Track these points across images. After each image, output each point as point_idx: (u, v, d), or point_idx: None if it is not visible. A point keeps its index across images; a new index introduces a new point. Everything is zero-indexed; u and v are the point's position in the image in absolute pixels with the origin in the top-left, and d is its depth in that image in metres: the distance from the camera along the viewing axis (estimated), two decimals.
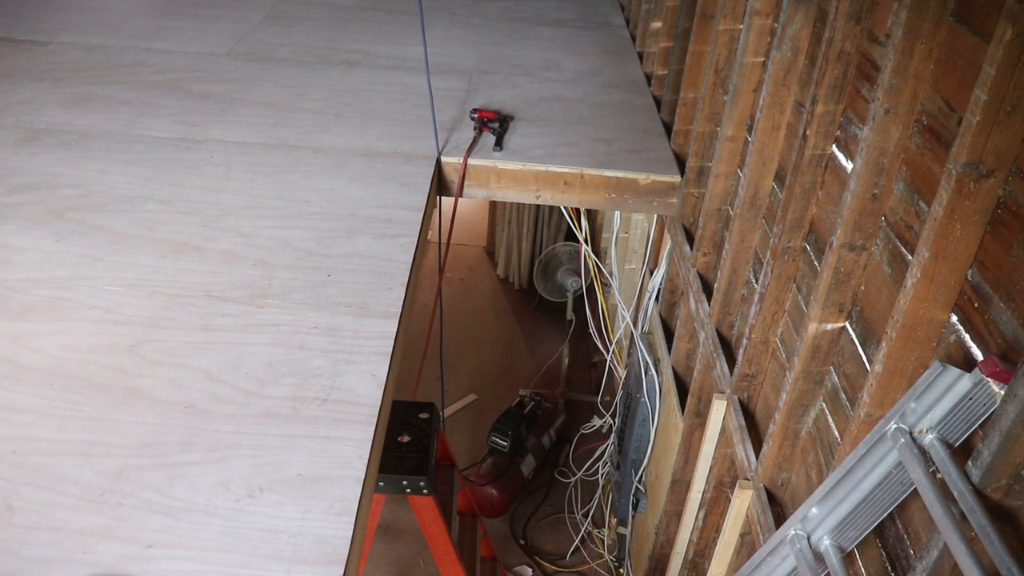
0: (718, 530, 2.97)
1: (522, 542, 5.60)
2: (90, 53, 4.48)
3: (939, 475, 1.45)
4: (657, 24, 4.46)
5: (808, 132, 2.16)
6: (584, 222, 5.65)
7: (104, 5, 5.40)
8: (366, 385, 2.28)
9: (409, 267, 2.82)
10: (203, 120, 3.76)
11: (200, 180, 3.27)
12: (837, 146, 2.16)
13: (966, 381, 1.44)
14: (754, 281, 2.77)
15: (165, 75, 4.25)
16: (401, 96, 4.15)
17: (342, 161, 3.48)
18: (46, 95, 3.91)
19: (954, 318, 1.61)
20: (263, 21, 5.21)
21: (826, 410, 2.13)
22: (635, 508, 4.35)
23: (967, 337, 1.57)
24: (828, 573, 1.79)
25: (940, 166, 1.67)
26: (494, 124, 3.78)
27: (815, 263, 2.24)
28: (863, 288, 1.98)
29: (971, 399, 1.43)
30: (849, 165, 2.08)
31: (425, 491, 3.41)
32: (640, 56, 4.95)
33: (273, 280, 2.70)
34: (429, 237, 3.41)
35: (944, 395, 1.47)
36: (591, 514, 5.64)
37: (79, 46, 4.57)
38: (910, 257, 1.76)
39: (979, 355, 1.52)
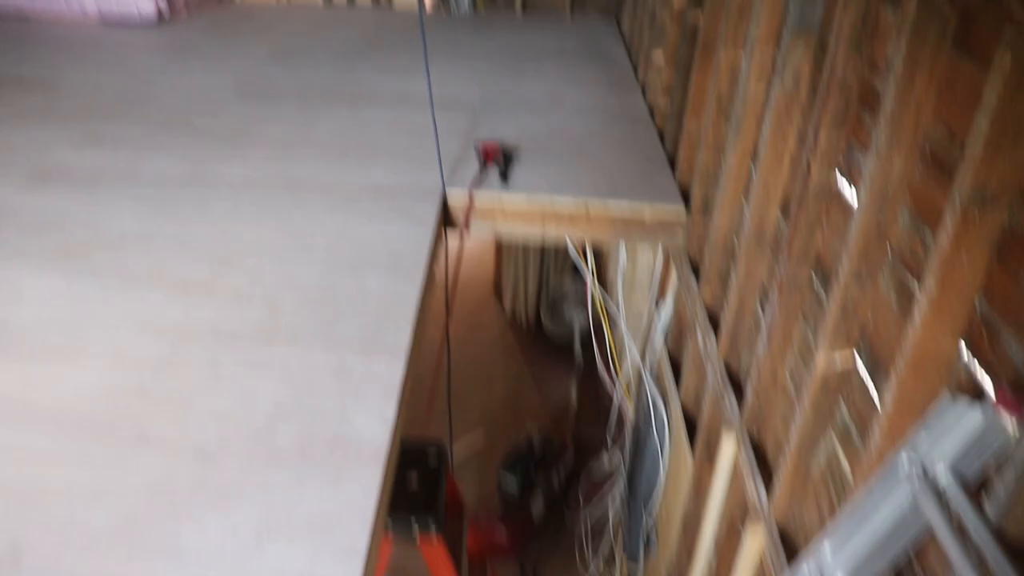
0: (731, 568, 2.93)
1: None
2: (99, 93, 4.52)
3: (954, 512, 1.42)
4: (659, 56, 4.49)
5: (812, 162, 2.16)
6: (590, 257, 5.65)
7: (113, 44, 5.46)
8: (374, 424, 2.27)
9: (416, 304, 2.81)
10: (210, 158, 3.79)
11: (208, 218, 3.29)
12: (841, 176, 2.15)
13: (978, 414, 1.42)
14: (761, 314, 2.75)
15: (173, 113, 4.29)
16: (406, 131, 4.17)
17: (348, 198, 3.50)
18: (55, 134, 3.94)
19: (964, 349, 1.60)
20: (269, 59, 5.27)
21: (837, 445, 2.11)
22: (646, 547, 4.31)
23: (978, 368, 1.55)
24: None
25: (944, 195, 1.66)
26: (499, 158, 3.79)
27: (822, 295, 2.23)
28: (871, 320, 1.97)
29: (984, 432, 1.41)
30: (853, 195, 2.07)
31: (434, 531, 3.38)
32: (643, 88, 4.97)
33: (281, 319, 2.70)
34: (436, 274, 3.42)
35: (956, 428, 1.45)
36: (602, 553, 5.58)
37: (88, 86, 4.62)
38: (916, 288, 1.75)
39: (990, 387, 1.50)
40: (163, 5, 5.86)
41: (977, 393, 1.53)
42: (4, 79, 4.61)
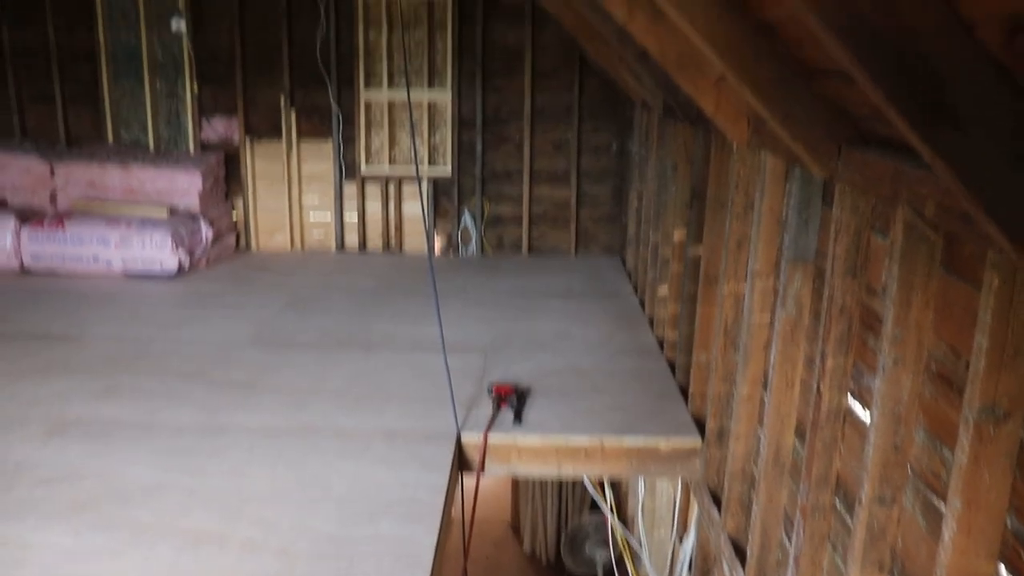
0: None
1: None
2: (120, 345, 4.64)
3: None
4: (664, 290, 4.63)
5: (822, 387, 2.18)
6: (608, 491, 5.56)
7: (136, 295, 5.68)
8: None
9: (433, 550, 2.75)
10: (226, 407, 3.83)
11: (222, 467, 3.28)
12: (853, 398, 2.17)
13: None
14: (787, 542, 2.67)
15: (191, 364, 4.38)
16: (420, 375, 4.23)
17: (363, 443, 3.50)
18: (76, 387, 4.01)
19: (1002, 570, 1.54)
20: (285, 308, 5.44)
21: None
22: None
23: None
24: None
25: (957, 412, 1.67)
26: (512, 398, 3.82)
27: (847, 519, 2.18)
28: (900, 543, 1.91)
29: None
30: (867, 417, 2.07)
31: None
32: (650, 321, 5.09)
33: (295, 569, 2.63)
34: (452, 514, 3.36)
35: None
36: None
37: (110, 338, 4.75)
38: (943, 507, 1.71)
39: None
40: (184, 258, 6.13)
41: None
42: (32, 334, 4.76)
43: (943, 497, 1.72)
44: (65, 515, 2.92)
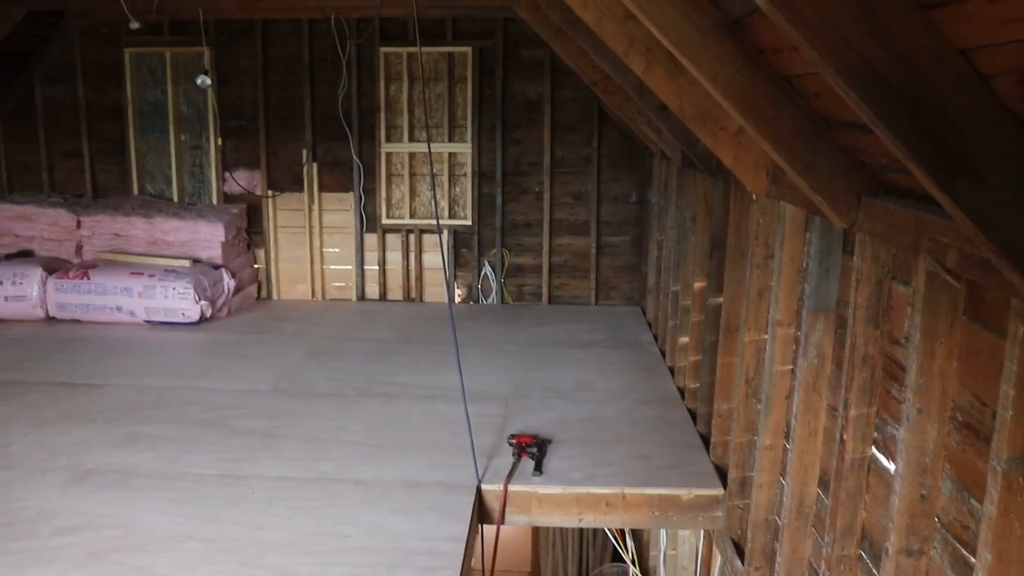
0: None
1: None
2: (141, 394, 4.67)
3: None
4: (684, 339, 4.62)
5: (845, 436, 2.17)
6: (629, 540, 5.49)
7: (158, 348, 5.71)
8: None
9: None
10: (246, 456, 3.83)
11: (241, 517, 3.27)
12: (876, 448, 2.15)
13: None
14: None
15: (211, 413, 4.39)
16: (439, 425, 4.22)
17: (383, 493, 3.49)
18: (97, 436, 4.04)
19: None
20: (306, 357, 5.46)
21: None
22: None
23: None
24: None
25: (984, 461, 1.65)
26: (532, 449, 3.81)
27: (874, 571, 2.14)
28: None
29: None
30: (892, 466, 2.05)
31: None
32: (671, 371, 5.07)
33: None
34: (472, 564, 3.33)
35: None
36: None
37: (132, 387, 4.78)
38: (973, 560, 1.69)
39: None
40: (206, 308, 6.18)
41: None
42: (56, 382, 4.80)
43: (972, 549, 1.70)
44: (84, 564, 2.92)
